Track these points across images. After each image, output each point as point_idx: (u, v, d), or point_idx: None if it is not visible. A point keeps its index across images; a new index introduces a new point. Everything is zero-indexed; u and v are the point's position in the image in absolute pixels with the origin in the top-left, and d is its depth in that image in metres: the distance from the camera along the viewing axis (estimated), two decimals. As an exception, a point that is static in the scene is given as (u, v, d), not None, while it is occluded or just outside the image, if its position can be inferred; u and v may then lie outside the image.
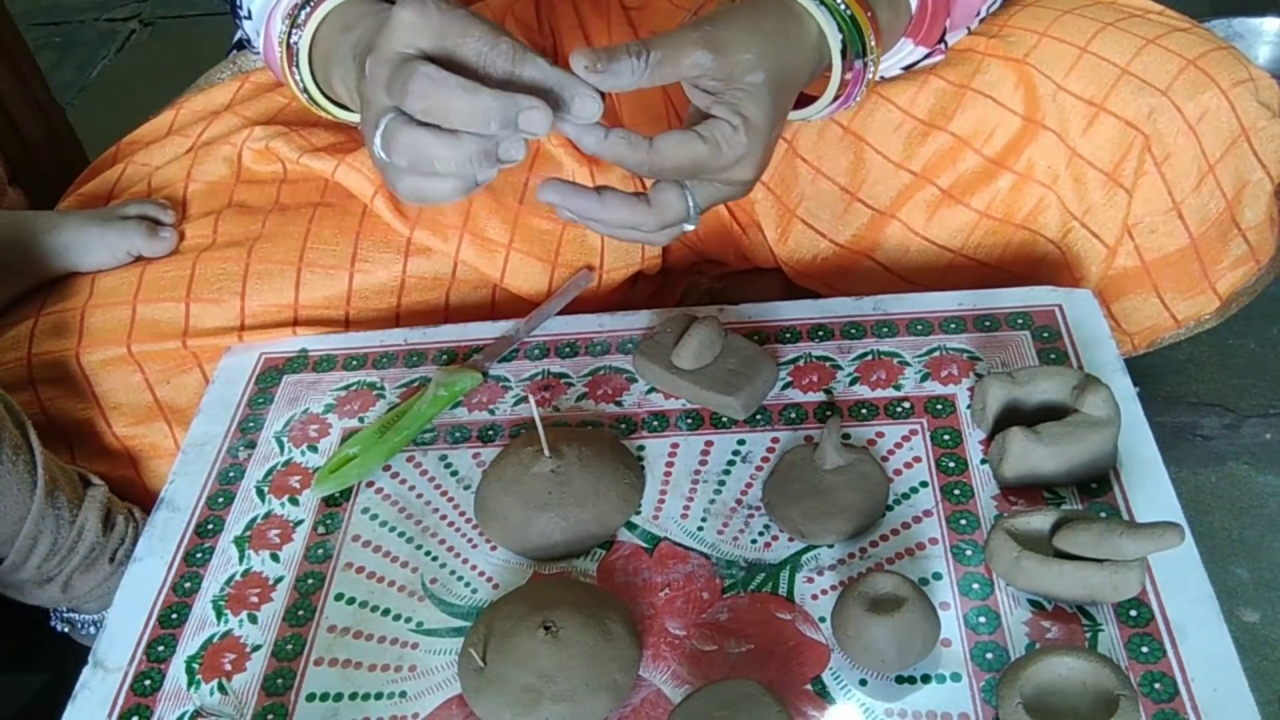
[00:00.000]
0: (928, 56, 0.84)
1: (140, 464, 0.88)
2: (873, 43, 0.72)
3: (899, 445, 0.74)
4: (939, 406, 0.76)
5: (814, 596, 0.66)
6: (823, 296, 0.88)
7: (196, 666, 0.67)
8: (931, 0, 0.78)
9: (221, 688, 0.66)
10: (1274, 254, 0.92)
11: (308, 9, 0.75)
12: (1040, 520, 0.65)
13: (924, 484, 0.71)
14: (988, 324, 0.81)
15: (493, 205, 0.92)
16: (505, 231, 0.91)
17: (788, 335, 0.82)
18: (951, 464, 0.72)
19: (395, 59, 0.61)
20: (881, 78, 0.85)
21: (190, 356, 0.87)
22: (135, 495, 0.88)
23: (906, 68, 0.85)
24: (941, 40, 0.83)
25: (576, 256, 0.92)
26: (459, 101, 0.59)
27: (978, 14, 0.87)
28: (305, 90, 0.78)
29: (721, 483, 0.73)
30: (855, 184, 0.91)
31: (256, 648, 0.68)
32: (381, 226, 0.91)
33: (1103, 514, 0.67)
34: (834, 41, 0.71)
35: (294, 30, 0.75)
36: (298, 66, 0.76)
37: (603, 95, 0.63)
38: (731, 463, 0.74)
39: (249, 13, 0.84)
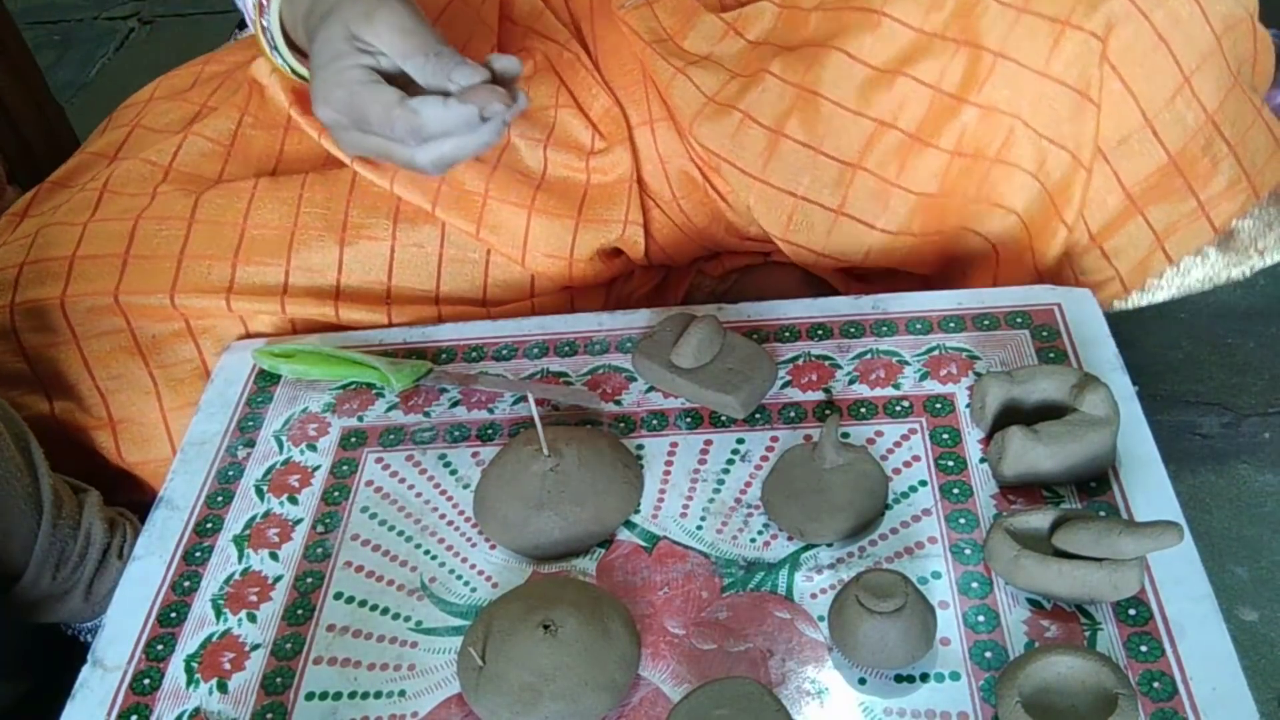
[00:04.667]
0: None
1: (119, 428, 0.88)
2: None
3: (898, 444, 0.74)
4: (938, 405, 0.76)
5: (813, 595, 0.66)
6: (818, 272, 0.88)
7: (195, 665, 0.67)
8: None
9: (221, 687, 0.66)
10: (1277, 187, 0.88)
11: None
12: (1039, 519, 0.65)
13: (923, 483, 0.71)
14: (986, 323, 0.81)
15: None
16: (481, 183, 0.92)
17: (787, 334, 0.82)
18: (950, 463, 0.72)
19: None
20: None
21: (179, 317, 0.87)
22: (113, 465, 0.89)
23: None
24: None
25: (557, 205, 0.92)
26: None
27: None
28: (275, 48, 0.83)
29: (720, 482, 0.73)
30: (816, 138, 0.91)
31: (256, 647, 0.68)
32: (370, 194, 0.91)
33: (1102, 513, 0.67)
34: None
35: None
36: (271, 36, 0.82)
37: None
38: (730, 462, 0.74)
39: None
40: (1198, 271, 0.90)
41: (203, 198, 0.90)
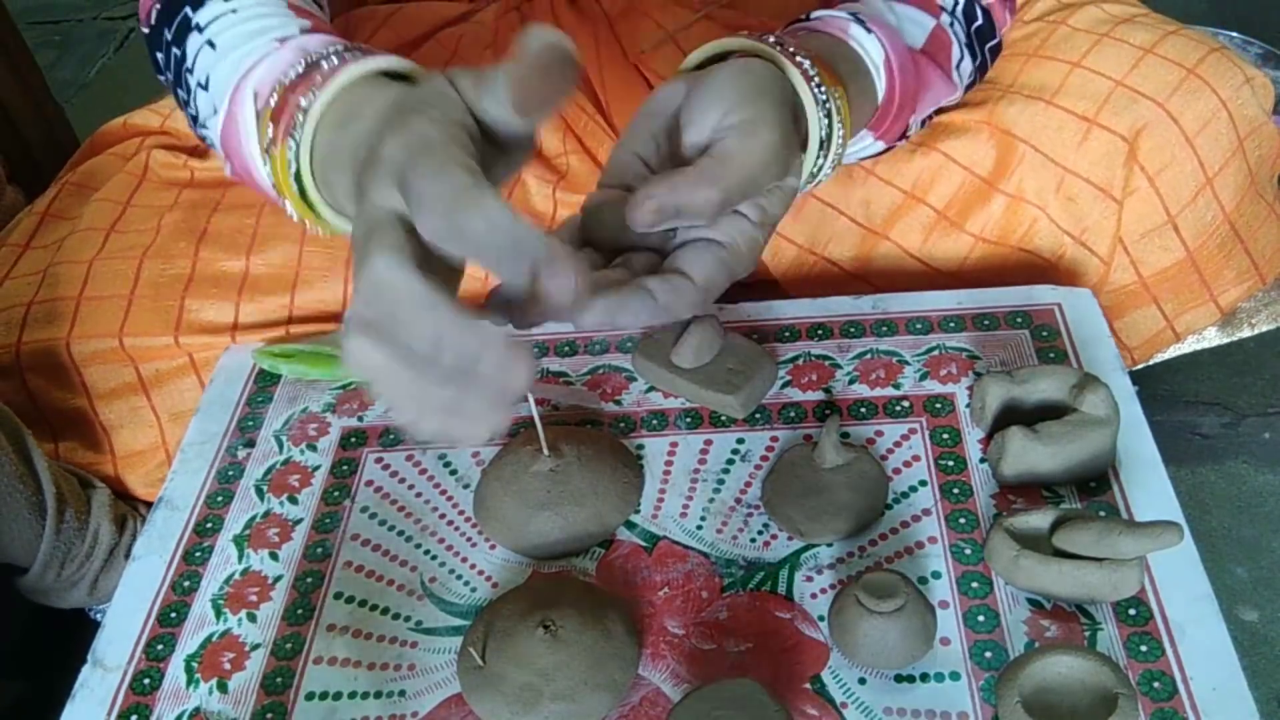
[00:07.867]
0: (886, 150, 0.78)
1: (122, 464, 0.88)
2: (841, 131, 0.66)
3: (898, 444, 0.74)
4: (938, 405, 0.76)
5: (813, 595, 0.66)
6: None
7: (195, 665, 0.67)
8: (899, 96, 0.72)
9: (221, 687, 0.66)
10: None
11: (300, 109, 0.59)
12: (1039, 519, 0.65)
13: (923, 483, 0.71)
14: (987, 323, 0.81)
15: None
16: None
17: (787, 334, 0.82)
18: (950, 463, 0.72)
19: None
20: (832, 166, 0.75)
21: (183, 354, 0.87)
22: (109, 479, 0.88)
23: (863, 159, 0.80)
24: (903, 136, 0.77)
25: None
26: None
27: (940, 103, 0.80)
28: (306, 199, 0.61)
29: (720, 482, 0.73)
30: (843, 201, 0.91)
31: (255, 647, 0.68)
32: None
33: (1102, 513, 0.67)
34: (814, 122, 0.64)
35: (285, 135, 0.59)
36: (297, 178, 0.60)
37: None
38: (730, 461, 0.74)
39: (204, 81, 0.67)
40: (1194, 345, 0.93)
41: (206, 235, 0.89)
